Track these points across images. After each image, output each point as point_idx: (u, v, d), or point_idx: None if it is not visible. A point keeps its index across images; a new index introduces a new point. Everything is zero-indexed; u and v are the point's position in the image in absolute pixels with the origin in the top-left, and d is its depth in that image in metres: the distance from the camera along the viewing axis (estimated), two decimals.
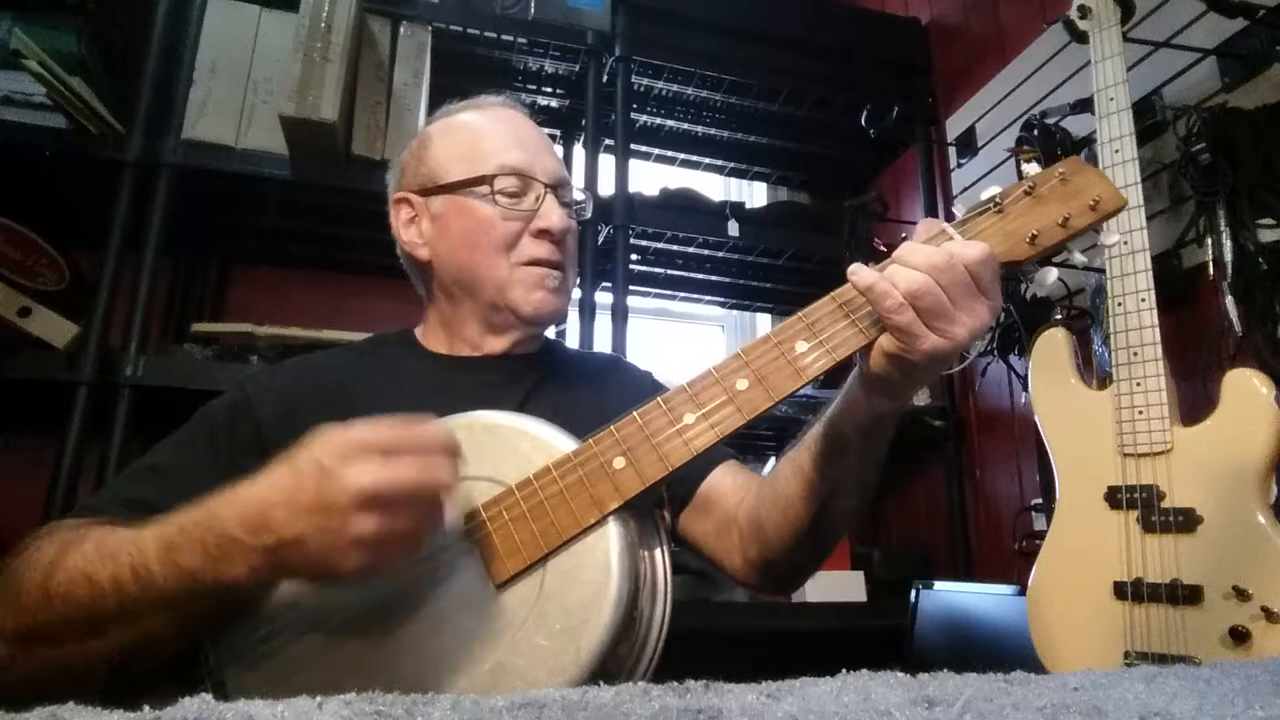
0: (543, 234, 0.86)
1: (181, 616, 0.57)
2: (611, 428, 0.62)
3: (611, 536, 0.58)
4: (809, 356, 0.62)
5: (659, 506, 0.68)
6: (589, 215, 0.98)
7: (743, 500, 0.83)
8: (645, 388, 0.93)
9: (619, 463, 0.60)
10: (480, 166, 0.86)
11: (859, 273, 0.61)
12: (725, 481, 0.86)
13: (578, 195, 0.94)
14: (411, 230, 0.91)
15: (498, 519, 0.60)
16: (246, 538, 0.53)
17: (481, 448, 0.64)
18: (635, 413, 0.63)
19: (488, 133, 0.90)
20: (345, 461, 0.52)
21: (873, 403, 0.66)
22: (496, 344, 0.89)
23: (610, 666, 0.56)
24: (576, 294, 1.78)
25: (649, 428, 0.62)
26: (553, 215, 0.86)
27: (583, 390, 0.88)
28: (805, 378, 0.61)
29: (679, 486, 0.86)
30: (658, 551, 0.65)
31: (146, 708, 0.33)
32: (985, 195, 0.68)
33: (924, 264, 0.59)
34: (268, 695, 0.37)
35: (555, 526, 0.59)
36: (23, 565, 0.63)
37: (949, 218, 0.67)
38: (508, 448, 0.63)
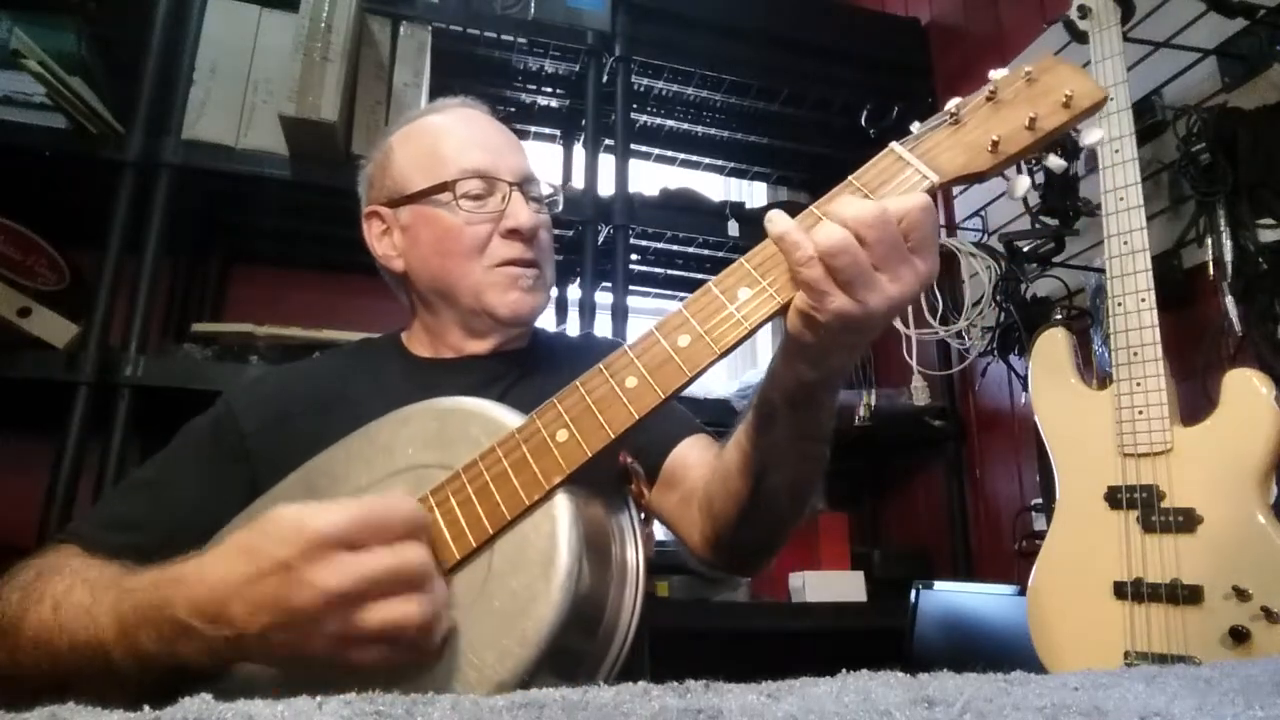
0: (512, 234, 0.84)
1: (144, 688, 0.54)
2: (554, 400, 0.60)
3: (559, 513, 0.55)
4: (753, 304, 0.58)
5: (627, 481, 0.64)
6: (560, 209, 0.95)
7: (704, 475, 0.80)
8: None
9: (562, 435, 0.58)
10: (441, 173, 0.84)
11: (775, 220, 0.56)
12: (692, 455, 0.83)
13: (546, 189, 0.91)
14: (385, 243, 0.90)
15: (444, 504, 0.58)
16: (202, 627, 0.49)
17: (434, 435, 0.62)
18: (578, 382, 0.60)
19: (447, 136, 0.87)
20: (309, 560, 0.47)
21: (795, 369, 0.61)
22: (479, 347, 0.88)
23: (570, 648, 0.54)
24: (576, 294, 1.78)
25: (592, 395, 0.59)
26: (520, 214, 0.84)
27: (566, 376, 0.86)
28: (749, 325, 0.57)
29: (646, 460, 0.82)
30: (627, 530, 0.62)
31: (146, 708, 0.33)
32: (947, 107, 0.62)
33: (850, 219, 0.53)
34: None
35: (500, 507, 0.56)
36: None
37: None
38: (459, 432, 0.61)
